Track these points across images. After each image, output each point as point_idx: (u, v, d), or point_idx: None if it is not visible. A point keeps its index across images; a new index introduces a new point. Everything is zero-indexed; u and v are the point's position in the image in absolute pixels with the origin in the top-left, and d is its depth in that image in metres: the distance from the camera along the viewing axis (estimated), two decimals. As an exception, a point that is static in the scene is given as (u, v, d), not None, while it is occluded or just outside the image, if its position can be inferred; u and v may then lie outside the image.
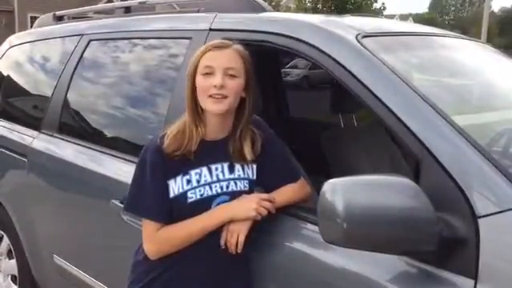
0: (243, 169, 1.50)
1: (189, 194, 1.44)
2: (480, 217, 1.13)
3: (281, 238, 1.49)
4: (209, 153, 1.46)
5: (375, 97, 1.34)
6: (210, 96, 1.38)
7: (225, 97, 1.38)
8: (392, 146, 2.50)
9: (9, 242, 2.79)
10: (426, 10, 73.23)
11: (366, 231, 1.11)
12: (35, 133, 2.58)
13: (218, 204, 1.46)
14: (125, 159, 2.03)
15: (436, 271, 1.17)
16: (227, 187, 1.47)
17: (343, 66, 1.43)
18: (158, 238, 1.47)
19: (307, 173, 2.37)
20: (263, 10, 1.92)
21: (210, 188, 1.46)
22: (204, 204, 1.45)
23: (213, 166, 1.47)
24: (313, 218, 1.39)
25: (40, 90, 2.84)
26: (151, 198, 1.46)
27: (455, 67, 1.92)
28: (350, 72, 1.41)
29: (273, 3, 28.01)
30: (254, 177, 1.52)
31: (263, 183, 1.55)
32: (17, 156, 2.61)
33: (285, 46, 1.63)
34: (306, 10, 23.76)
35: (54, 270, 2.43)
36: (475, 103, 1.82)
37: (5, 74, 3.14)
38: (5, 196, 2.80)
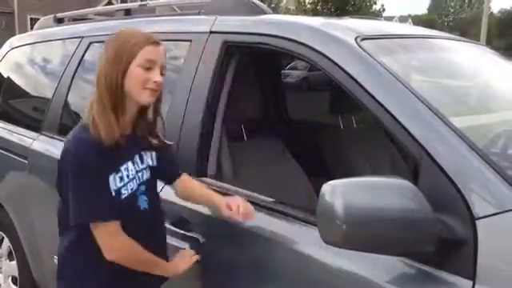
0: (147, 157, 1.58)
1: (122, 191, 1.47)
2: (478, 218, 1.14)
3: (279, 240, 1.50)
4: (128, 146, 1.50)
5: (374, 99, 1.35)
6: (146, 88, 1.44)
7: (156, 91, 1.48)
8: (391, 147, 2.51)
9: (9, 244, 2.80)
10: (426, 12, 73.26)
11: (365, 232, 1.12)
12: (35, 134, 2.59)
13: (140, 195, 1.53)
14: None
15: (434, 272, 1.18)
16: (142, 177, 1.55)
17: (342, 69, 1.44)
18: (120, 243, 1.45)
19: (306, 174, 2.39)
20: (263, 12, 1.93)
21: (134, 180, 1.52)
22: (133, 198, 1.51)
23: (134, 159, 1.54)
24: (310, 220, 1.41)
25: (40, 91, 2.85)
26: (99, 199, 1.41)
27: (454, 69, 1.93)
28: (349, 74, 1.42)
29: (272, 5, 28.02)
30: (154, 163, 1.59)
31: (164, 170, 1.63)
32: (17, 157, 2.62)
33: (284, 48, 1.64)
34: (305, 12, 23.77)
35: (54, 272, 2.44)
36: (473, 105, 1.83)
37: (5, 75, 3.15)
38: (5, 197, 2.81)
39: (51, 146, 2.45)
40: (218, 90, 1.82)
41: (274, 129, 2.85)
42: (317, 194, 2.33)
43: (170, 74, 2.07)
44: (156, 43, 1.47)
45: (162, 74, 1.47)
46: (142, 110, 1.52)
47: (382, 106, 1.34)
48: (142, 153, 1.56)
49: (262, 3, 1.99)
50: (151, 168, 1.59)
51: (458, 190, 1.17)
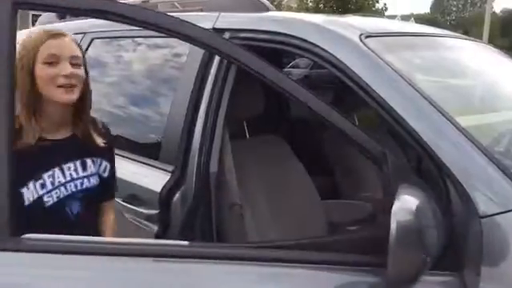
0: (94, 164, 1.50)
1: (45, 198, 1.39)
2: (483, 217, 1.13)
3: None
4: (57, 152, 1.43)
5: (379, 97, 1.34)
6: (59, 86, 1.35)
7: (74, 85, 1.37)
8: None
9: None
10: (428, 11, 73.21)
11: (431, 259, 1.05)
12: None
13: (72, 201, 1.44)
14: (128, 158, 2.03)
15: (439, 273, 1.16)
16: (82, 185, 1.46)
17: (346, 66, 1.43)
18: None
19: (309, 172, 2.39)
20: (266, 9, 1.92)
21: (65, 188, 1.43)
22: (61, 206, 1.42)
23: (65, 166, 1.44)
24: None
25: (42, 88, 2.84)
26: None
27: (458, 68, 1.92)
28: (353, 72, 1.41)
29: (275, 3, 27.99)
30: (106, 174, 1.53)
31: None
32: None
33: (288, 45, 1.63)
34: (307, 10, 23.75)
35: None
36: (478, 104, 1.82)
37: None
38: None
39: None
40: (221, 88, 1.82)
41: (276, 126, 2.84)
42: (318, 192, 2.33)
43: (173, 72, 2.07)
44: (57, 35, 1.38)
45: (75, 65, 1.37)
46: (77, 110, 1.44)
47: (386, 103, 1.32)
48: (86, 159, 1.48)
49: (265, 0, 1.98)
50: (101, 176, 1.52)
51: (463, 189, 1.17)
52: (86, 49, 2.45)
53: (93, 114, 2.45)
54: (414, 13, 63.04)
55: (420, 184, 1.15)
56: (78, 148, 1.46)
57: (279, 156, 2.33)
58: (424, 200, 1.08)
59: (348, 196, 2.54)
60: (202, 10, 2.11)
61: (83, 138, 1.46)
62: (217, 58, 1.81)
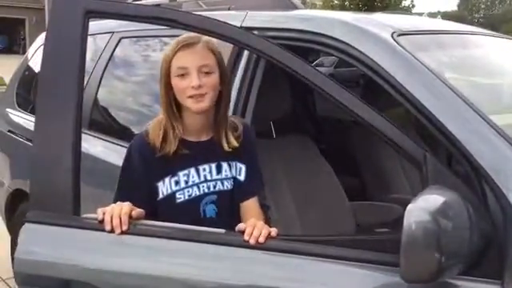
0: (230, 168, 1.50)
1: (177, 195, 1.46)
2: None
3: None
4: (196, 154, 1.46)
5: (412, 96, 1.31)
6: (190, 96, 1.38)
7: (204, 94, 1.38)
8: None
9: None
10: (455, 8, 71.99)
11: (454, 261, 1.03)
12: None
13: (206, 203, 1.48)
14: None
15: (478, 279, 1.11)
16: (214, 187, 1.49)
17: (379, 65, 1.39)
18: None
19: (336, 173, 2.36)
20: (295, 7, 1.90)
21: (198, 188, 1.47)
22: (192, 204, 1.47)
23: (200, 167, 1.48)
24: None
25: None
26: (123, 194, 1.43)
27: (493, 66, 1.87)
28: (385, 71, 1.38)
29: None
30: (241, 177, 1.50)
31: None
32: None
33: (318, 44, 1.60)
34: (332, 8, 23.56)
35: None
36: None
37: (36, 70, 3.19)
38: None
39: (82, 141, 2.47)
40: (249, 87, 1.80)
41: (303, 126, 2.82)
42: (345, 192, 2.30)
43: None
44: (187, 45, 1.39)
45: (206, 73, 1.39)
46: (216, 115, 1.47)
47: (419, 103, 1.29)
48: (222, 162, 1.50)
49: (293, -3, 1.96)
50: (236, 180, 1.51)
51: (500, 191, 1.12)
52: (115, 48, 2.47)
53: (122, 112, 2.49)
54: (441, 10, 62.06)
55: (458, 186, 1.12)
56: (216, 151, 1.48)
57: (306, 156, 2.31)
58: (454, 202, 1.05)
59: (376, 197, 2.50)
60: (229, 9, 2.09)
61: (218, 141, 1.48)
62: (244, 58, 1.80)
